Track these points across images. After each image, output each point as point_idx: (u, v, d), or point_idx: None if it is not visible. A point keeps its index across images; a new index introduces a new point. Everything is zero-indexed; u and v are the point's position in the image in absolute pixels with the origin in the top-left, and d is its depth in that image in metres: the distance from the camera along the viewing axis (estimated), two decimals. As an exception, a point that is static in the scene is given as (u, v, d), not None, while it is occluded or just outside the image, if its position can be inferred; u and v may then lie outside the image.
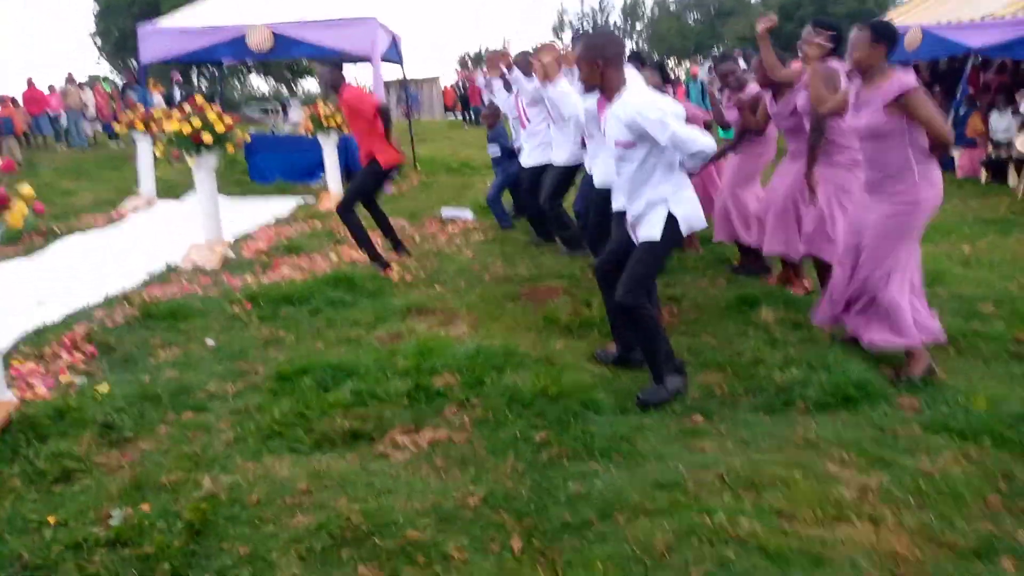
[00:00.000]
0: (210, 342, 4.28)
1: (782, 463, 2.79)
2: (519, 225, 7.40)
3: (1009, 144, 9.51)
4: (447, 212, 8.25)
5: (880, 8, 22.29)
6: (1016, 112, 9.59)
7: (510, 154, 7.35)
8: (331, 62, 6.10)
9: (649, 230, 3.40)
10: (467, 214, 8.17)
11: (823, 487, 2.63)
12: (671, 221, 3.36)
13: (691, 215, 3.42)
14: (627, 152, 3.34)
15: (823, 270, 4.65)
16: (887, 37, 3.43)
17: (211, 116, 6.09)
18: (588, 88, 3.47)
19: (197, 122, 6.01)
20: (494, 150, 7.62)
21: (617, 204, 3.81)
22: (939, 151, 3.51)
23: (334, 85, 5.88)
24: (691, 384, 3.58)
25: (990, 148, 9.90)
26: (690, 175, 3.53)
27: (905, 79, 3.37)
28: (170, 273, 5.84)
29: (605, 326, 4.33)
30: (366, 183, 6.03)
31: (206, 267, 5.90)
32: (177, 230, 7.35)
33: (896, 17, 12.20)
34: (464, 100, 25.80)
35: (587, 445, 2.96)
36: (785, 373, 3.63)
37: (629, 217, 3.52)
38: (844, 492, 2.60)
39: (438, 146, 16.86)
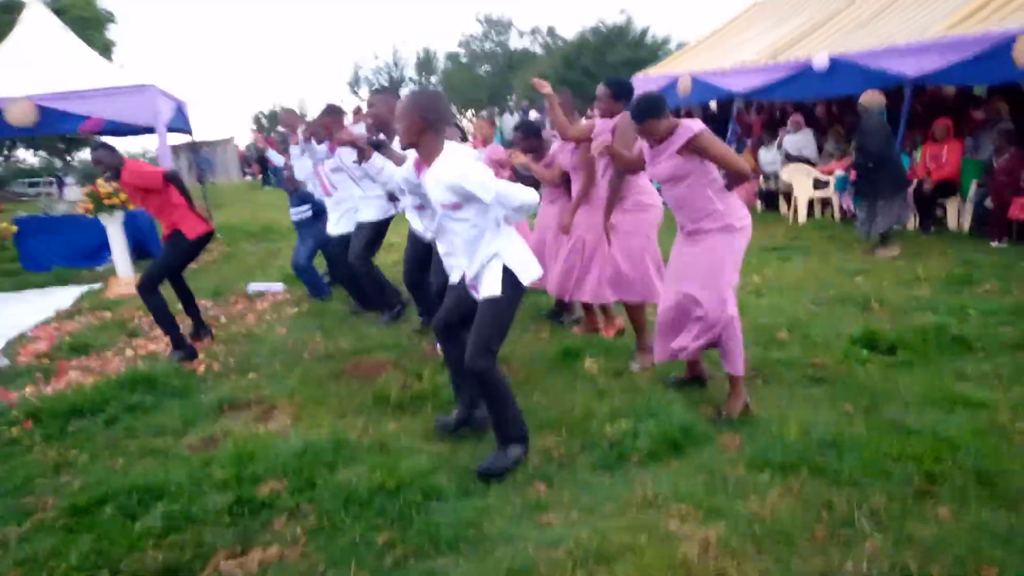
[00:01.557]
0: (-16, 476, 3.68)
1: (627, 528, 2.80)
2: (336, 294, 7.14)
3: (776, 176, 10.58)
4: (254, 286, 7.81)
5: (651, 56, 24.28)
6: (779, 147, 10.71)
7: (320, 213, 6.94)
8: (101, 144, 5.54)
9: (489, 287, 3.36)
10: (277, 287, 7.79)
11: (669, 549, 2.66)
12: (508, 273, 3.34)
13: (527, 264, 3.41)
14: (455, 213, 3.30)
15: (633, 312, 4.83)
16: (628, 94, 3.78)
17: (-34, 209, 5.37)
18: (405, 146, 3.38)
19: (-51, 217, 5.27)
20: (302, 212, 7.07)
21: (452, 274, 3.67)
22: (738, 183, 3.80)
23: (115, 168, 5.39)
24: (530, 448, 3.55)
25: (761, 180, 10.96)
26: None
27: (691, 125, 3.66)
28: (-73, 394, 5.00)
29: (438, 398, 4.24)
30: (173, 259, 5.53)
31: (-27, 381, 5.12)
32: (-66, 339, 6.37)
33: (666, 66, 13.30)
34: (262, 161, 24.99)
35: (433, 539, 2.82)
36: (615, 426, 3.69)
37: (467, 279, 3.48)
38: (688, 550, 2.64)
39: (237, 210, 16.14)
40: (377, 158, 3.99)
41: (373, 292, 6.11)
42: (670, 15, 65.13)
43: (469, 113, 35.23)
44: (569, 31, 36.53)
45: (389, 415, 4.10)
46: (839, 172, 9.47)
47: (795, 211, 9.92)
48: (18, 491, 3.49)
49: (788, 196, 10.27)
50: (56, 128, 10.31)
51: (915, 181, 8.47)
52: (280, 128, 7.11)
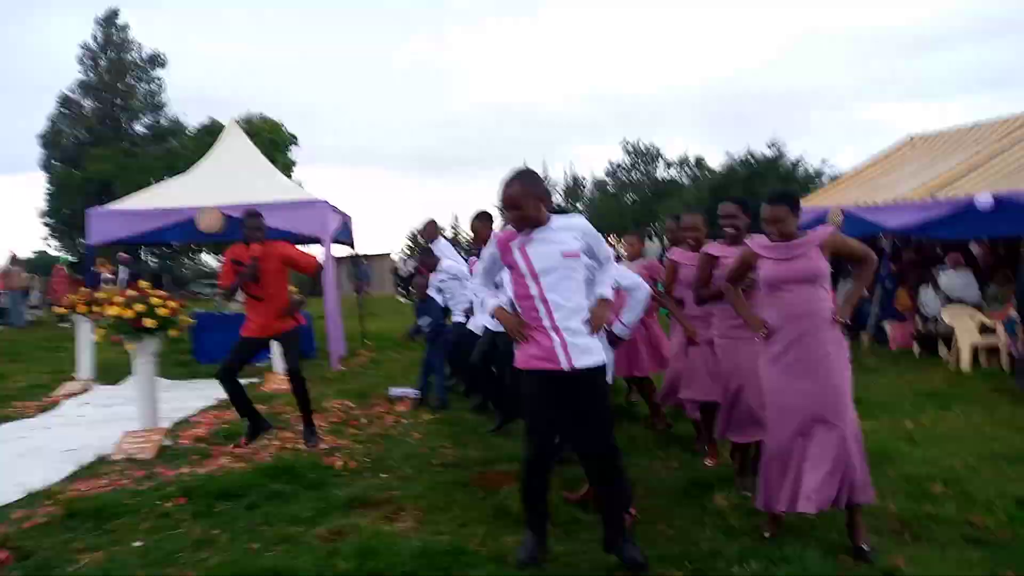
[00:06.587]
0: (138, 544, 3.99)
1: (749, 675, 2.63)
2: (461, 404, 7.32)
3: (935, 318, 9.98)
4: (395, 391, 8.15)
5: (801, 190, 24.02)
6: (938, 288, 10.15)
7: (440, 327, 7.58)
8: (253, 212, 5.94)
9: (597, 352, 3.48)
10: (416, 392, 8.07)
11: None
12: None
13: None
14: (571, 263, 3.45)
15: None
16: (799, 205, 3.87)
17: (154, 300, 6.03)
18: (525, 225, 3.49)
19: (140, 307, 5.93)
20: (425, 323, 7.63)
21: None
22: (872, 272, 3.93)
23: (265, 231, 5.83)
24: (649, 581, 3.44)
25: (919, 321, 10.36)
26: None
27: (824, 227, 3.85)
28: (100, 465, 5.52)
29: (558, 514, 4.19)
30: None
31: (139, 457, 5.61)
32: (113, 417, 7.06)
33: (816, 199, 13.11)
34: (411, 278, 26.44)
35: (542, 659, 2.76)
36: (744, 568, 3.51)
37: (565, 338, 3.43)
38: None
39: (388, 320, 16.96)
40: None
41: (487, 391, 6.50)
42: (822, 149, 64.65)
43: (612, 237, 35.80)
44: (717, 162, 36.89)
45: (509, 528, 4.09)
46: (1012, 313, 8.76)
47: (957, 356, 9.26)
48: (163, 560, 3.75)
49: (948, 340, 9.62)
50: (237, 235, 11.43)
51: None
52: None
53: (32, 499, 4.74)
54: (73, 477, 5.25)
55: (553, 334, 3.44)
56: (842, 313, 3.76)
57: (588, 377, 3.45)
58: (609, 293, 3.60)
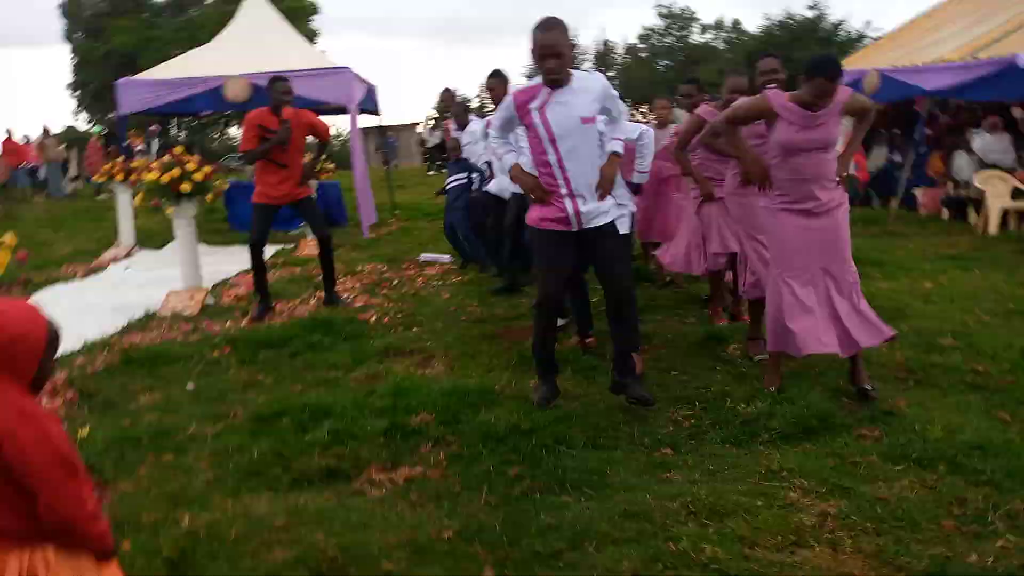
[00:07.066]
0: (190, 386, 4.34)
1: (745, 492, 2.90)
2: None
3: (967, 183, 9.85)
4: (425, 256, 8.39)
5: (841, 54, 23.05)
6: (972, 152, 9.96)
7: (468, 185, 7.63)
8: (281, 77, 6.00)
9: (611, 213, 3.67)
10: (445, 258, 8.31)
11: (784, 514, 2.73)
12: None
13: None
14: (588, 128, 3.54)
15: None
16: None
17: (190, 166, 6.21)
18: (558, 73, 3.47)
19: (176, 172, 6.12)
20: (460, 178, 7.68)
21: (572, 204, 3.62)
22: (870, 122, 4.03)
23: (293, 99, 5.86)
24: (660, 418, 3.70)
25: (950, 187, 10.24)
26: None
27: (844, 90, 3.79)
28: (149, 320, 5.89)
29: (579, 362, 4.48)
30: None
31: (185, 313, 5.96)
32: (157, 279, 7.40)
33: (855, 61, 12.65)
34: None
35: (559, 478, 3.06)
36: (750, 406, 3.75)
37: (579, 205, 3.59)
38: (804, 519, 2.71)
39: (417, 191, 17.08)
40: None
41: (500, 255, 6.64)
42: (866, 10, 61.15)
43: (645, 108, 34.94)
44: (755, 25, 35.25)
45: (532, 373, 4.36)
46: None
47: (986, 221, 9.21)
48: (214, 400, 4.11)
49: (979, 205, 9.54)
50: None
51: None
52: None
53: (90, 348, 5.12)
54: (126, 330, 5.62)
55: (568, 201, 3.61)
56: (840, 170, 3.89)
57: (600, 232, 3.65)
58: (620, 148, 3.71)
